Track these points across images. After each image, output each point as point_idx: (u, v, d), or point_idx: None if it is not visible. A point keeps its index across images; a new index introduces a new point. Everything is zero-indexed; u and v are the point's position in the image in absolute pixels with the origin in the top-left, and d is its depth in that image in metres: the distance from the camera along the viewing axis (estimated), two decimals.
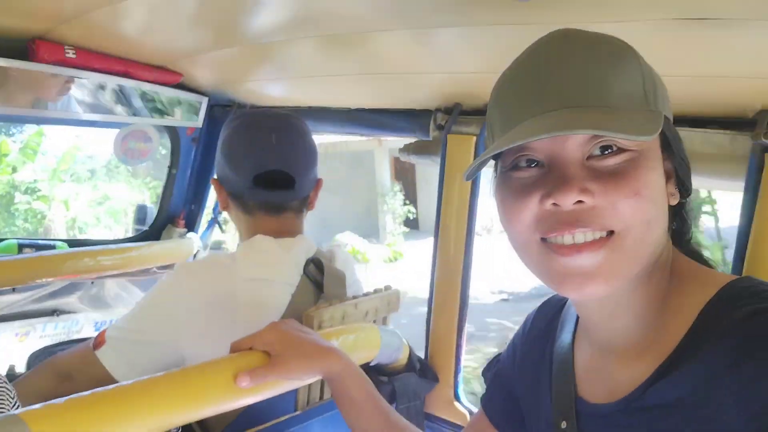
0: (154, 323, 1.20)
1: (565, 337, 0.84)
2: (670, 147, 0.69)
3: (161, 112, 1.90)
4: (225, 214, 1.54)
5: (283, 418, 1.21)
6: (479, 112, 1.44)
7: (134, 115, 1.83)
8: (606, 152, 0.63)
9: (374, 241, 11.78)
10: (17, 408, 0.82)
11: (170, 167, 2.16)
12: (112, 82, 1.70)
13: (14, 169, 9.40)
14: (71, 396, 0.77)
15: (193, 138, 2.13)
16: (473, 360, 5.84)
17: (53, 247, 1.97)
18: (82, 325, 2.19)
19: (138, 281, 2.24)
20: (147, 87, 1.78)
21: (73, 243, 2.05)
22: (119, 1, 1.21)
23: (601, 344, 0.76)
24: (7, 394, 0.82)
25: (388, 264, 10.90)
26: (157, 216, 2.21)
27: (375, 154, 13.66)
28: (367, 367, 1.24)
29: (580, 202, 0.62)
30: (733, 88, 1.01)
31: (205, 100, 2.00)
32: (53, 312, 2.10)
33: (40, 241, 2.01)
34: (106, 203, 10.95)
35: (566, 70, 0.63)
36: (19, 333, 2.02)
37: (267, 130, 1.31)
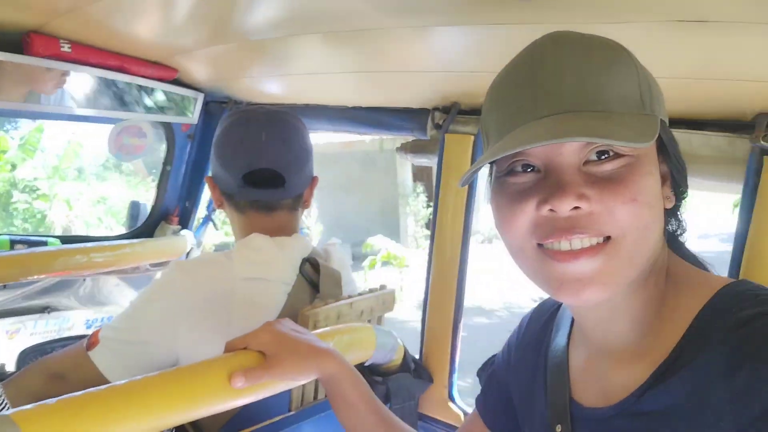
0: (149, 323, 1.19)
1: (560, 340, 0.83)
2: (665, 150, 0.69)
3: (156, 108, 1.88)
4: (220, 212, 1.53)
5: (277, 419, 1.20)
6: (477, 111, 1.43)
7: (129, 110, 1.82)
8: (602, 157, 0.63)
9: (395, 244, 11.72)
10: (6, 408, 0.81)
11: (165, 163, 2.14)
12: (108, 76, 1.69)
13: (13, 167, 9.22)
14: (63, 396, 0.76)
15: (188, 134, 2.11)
16: None
17: (45, 244, 1.95)
18: (74, 322, 2.17)
19: (131, 279, 2.22)
20: (142, 82, 1.77)
21: (65, 239, 2.04)
22: None
23: (597, 348, 0.76)
24: None
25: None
26: (150, 213, 2.20)
27: (396, 154, 13.44)
28: (361, 367, 1.23)
29: (576, 208, 0.61)
30: (732, 90, 1.01)
31: (200, 97, 1.99)
32: (44, 309, 2.08)
33: (32, 238, 1.99)
34: (110, 202, 10.80)
35: (561, 74, 0.62)
36: (9, 330, 2.00)
37: (258, 127, 1.29)
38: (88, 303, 2.24)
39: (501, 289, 8.94)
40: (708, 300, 0.65)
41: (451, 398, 1.47)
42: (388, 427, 0.99)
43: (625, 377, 0.69)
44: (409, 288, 8.64)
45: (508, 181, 0.67)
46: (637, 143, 0.57)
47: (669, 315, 0.68)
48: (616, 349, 0.72)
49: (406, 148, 1.55)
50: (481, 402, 0.99)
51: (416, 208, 12.23)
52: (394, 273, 9.04)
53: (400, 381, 1.35)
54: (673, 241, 0.76)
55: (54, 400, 0.75)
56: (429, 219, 12.32)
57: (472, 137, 1.40)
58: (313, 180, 1.41)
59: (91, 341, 1.18)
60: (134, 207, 2.23)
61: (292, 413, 1.23)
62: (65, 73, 1.63)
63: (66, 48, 1.53)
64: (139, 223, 2.20)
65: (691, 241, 0.78)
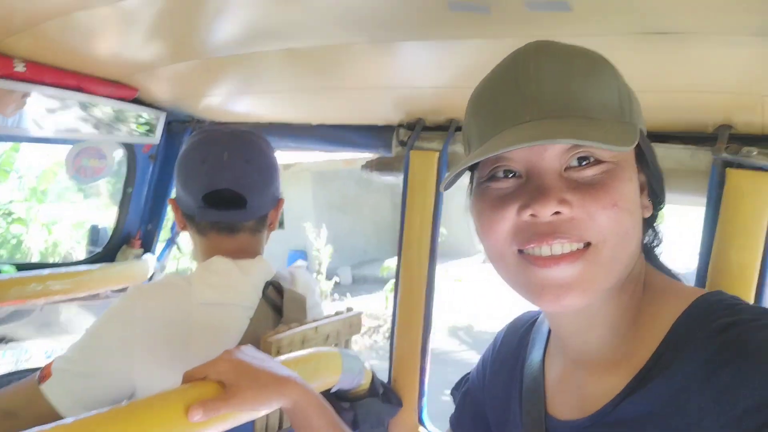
0: (104, 352, 1.13)
1: (536, 354, 0.83)
2: (644, 159, 0.69)
3: (116, 128, 1.83)
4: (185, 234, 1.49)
5: None
6: (442, 127, 1.42)
7: (87, 131, 1.77)
8: (583, 163, 0.63)
9: None
10: None
11: (125, 185, 2.09)
12: (65, 96, 1.64)
13: None
14: None
15: (150, 155, 2.06)
16: None
17: None
18: (32, 353, 2.09)
19: (92, 305, 2.15)
20: (101, 102, 1.72)
21: (22, 266, 1.96)
22: (71, 13, 1.16)
23: (574, 358, 0.75)
24: None
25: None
26: (111, 237, 2.13)
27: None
28: (328, 393, 1.19)
29: (558, 213, 0.61)
30: (693, 102, 1.01)
31: (162, 116, 1.94)
32: (0, 340, 2.00)
33: None
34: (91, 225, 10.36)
35: (544, 80, 0.63)
36: None
37: (220, 147, 1.26)
38: (47, 332, 2.16)
39: (510, 313, 8.92)
40: (684, 309, 0.65)
41: (421, 422, 1.43)
42: None
43: (601, 387, 0.69)
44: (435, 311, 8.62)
45: (489, 187, 0.67)
46: (618, 147, 0.57)
47: (646, 324, 0.68)
48: (593, 359, 0.72)
49: (371, 166, 1.53)
50: (455, 420, 0.99)
51: None
52: None
53: (369, 406, 1.31)
54: (648, 253, 0.76)
55: None
56: None
57: (437, 153, 1.39)
58: (279, 201, 1.38)
59: (44, 374, 1.11)
60: (94, 231, 2.17)
61: None
62: (25, 94, 1.58)
63: (20, 68, 1.48)
64: (100, 247, 2.14)
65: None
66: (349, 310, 1.38)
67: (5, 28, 1.31)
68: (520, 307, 0.86)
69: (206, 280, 1.20)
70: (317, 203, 13.30)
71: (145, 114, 1.89)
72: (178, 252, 2.22)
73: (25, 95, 1.58)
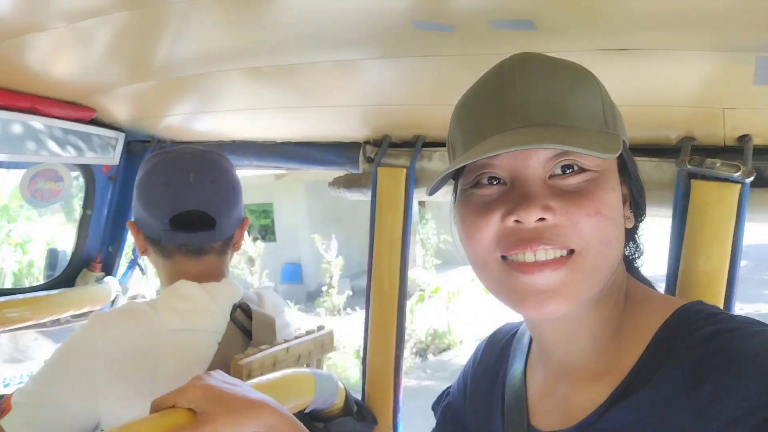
0: (65, 384, 1.09)
1: (517, 366, 0.83)
2: (626, 171, 0.71)
3: (74, 150, 1.78)
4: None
5: None
6: (409, 144, 1.42)
7: (42, 153, 1.71)
8: (567, 171, 0.64)
9: None
10: None
11: (84, 207, 2.02)
12: (18, 119, 1.58)
13: None
14: None
15: (109, 176, 2.01)
16: None
17: None
18: None
19: (50, 332, 2.07)
20: (57, 124, 1.67)
21: None
22: (23, 34, 1.13)
23: (556, 368, 0.76)
24: None
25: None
26: (70, 260, 2.06)
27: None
28: (301, 415, 1.17)
29: (542, 219, 0.62)
30: (656, 116, 1.03)
31: (121, 137, 1.90)
32: None
33: None
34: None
35: (529, 89, 0.64)
36: None
37: (184, 168, 1.23)
38: (4, 360, 2.07)
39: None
40: (666, 319, 0.66)
41: None
42: None
43: (585, 397, 0.69)
44: (457, 320, 8.49)
45: (473, 193, 0.68)
46: (603, 154, 0.58)
47: (628, 334, 0.69)
48: (575, 369, 0.72)
49: (339, 183, 1.52)
50: None
51: (425, 236, 11.61)
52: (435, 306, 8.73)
53: (343, 425, 1.29)
54: (628, 264, 0.77)
55: None
56: (438, 247, 11.77)
57: (405, 170, 1.39)
58: (244, 221, 1.36)
59: (3, 408, 1.07)
60: (52, 255, 2.09)
61: None
62: None
63: None
64: (58, 271, 2.06)
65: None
66: (320, 328, 1.37)
67: None
68: None
69: (173, 305, 1.17)
70: (312, 214, 13.10)
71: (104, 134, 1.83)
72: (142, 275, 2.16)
73: None
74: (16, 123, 1.59)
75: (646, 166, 1.08)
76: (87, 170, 1.96)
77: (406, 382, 1.38)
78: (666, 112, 0.99)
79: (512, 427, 0.78)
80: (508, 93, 0.65)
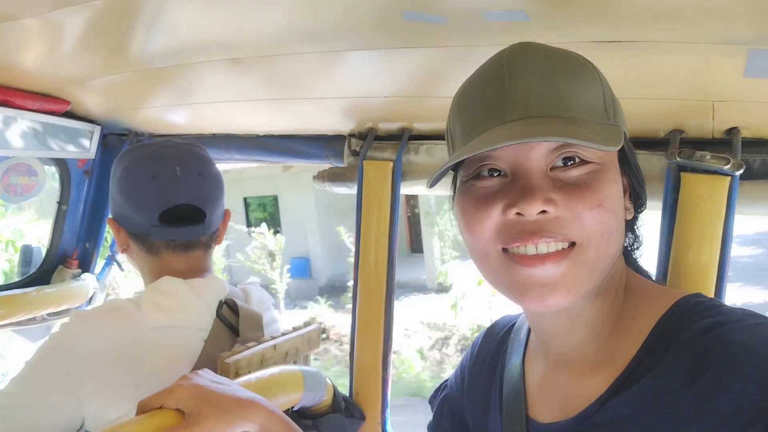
0: (46, 385, 1.06)
1: (516, 359, 0.83)
2: (627, 162, 0.71)
3: (48, 143, 1.73)
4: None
5: None
6: (395, 137, 1.40)
7: (16, 147, 1.66)
8: (569, 163, 0.64)
9: None
10: None
11: (59, 203, 1.97)
12: None
13: None
14: None
15: (85, 170, 1.96)
16: None
17: None
18: None
19: (26, 330, 2.02)
20: (30, 116, 1.62)
21: None
22: None
23: (555, 360, 0.76)
24: None
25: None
26: (45, 257, 2.01)
27: None
28: (289, 412, 1.16)
29: (544, 212, 0.61)
30: (645, 109, 1.03)
31: (97, 129, 1.85)
32: None
33: None
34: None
35: (529, 80, 0.63)
36: None
37: (170, 161, 1.20)
38: None
39: None
40: (665, 311, 0.66)
41: None
42: None
43: (584, 388, 0.69)
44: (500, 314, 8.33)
45: (474, 186, 0.67)
46: (605, 147, 0.58)
47: (628, 326, 0.69)
48: (575, 361, 0.72)
49: (323, 177, 1.50)
50: (434, 427, 0.99)
51: (444, 227, 11.20)
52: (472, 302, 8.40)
53: (331, 422, 1.28)
54: (627, 256, 0.77)
55: None
56: (456, 239, 11.77)
57: (391, 163, 1.37)
58: (226, 213, 1.33)
59: None
60: (26, 251, 2.03)
61: None
62: None
63: None
64: (33, 268, 2.01)
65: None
66: (307, 324, 1.35)
67: None
68: None
69: (157, 302, 1.14)
70: (320, 206, 12.89)
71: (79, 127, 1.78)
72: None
73: None
74: None
75: None
76: (62, 164, 1.91)
77: None
78: (656, 105, 0.99)
79: (510, 420, 0.78)
80: (508, 83, 0.64)
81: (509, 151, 0.64)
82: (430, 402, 1.03)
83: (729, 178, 0.96)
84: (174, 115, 1.71)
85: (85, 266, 2.03)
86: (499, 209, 0.64)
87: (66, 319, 1.15)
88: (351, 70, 1.20)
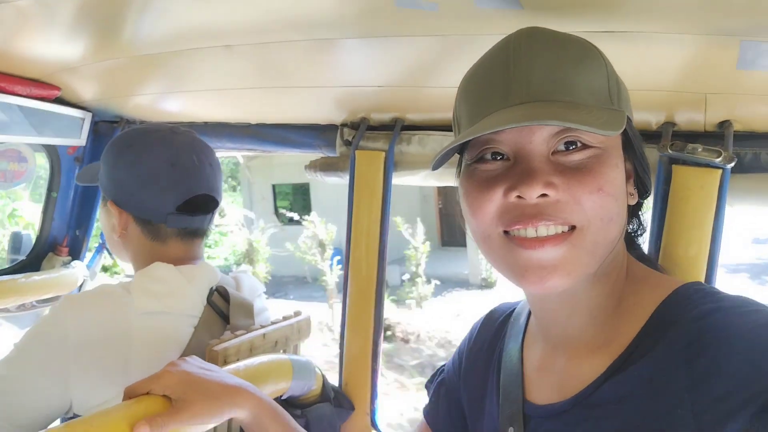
0: (35, 369, 1.05)
1: (514, 344, 0.84)
2: (630, 147, 0.71)
3: (38, 130, 1.71)
4: None
5: None
6: (388, 127, 1.40)
7: (5, 133, 1.64)
8: (571, 148, 0.64)
9: None
10: None
11: (49, 190, 1.96)
12: None
13: None
14: None
15: (75, 157, 1.94)
16: None
17: None
18: None
19: (15, 317, 2.01)
20: (19, 102, 1.60)
21: None
22: None
23: (555, 342, 0.76)
24: None
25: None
26: (35, 244, 1.99)
27: None
28: (278, 401, 1.15)
29: (544, 195, 0.62)
30: (638, 101, 1.02)
31: (88, 116, 1.83)
32: None
33: None
34: None
35: (534, 65, 0.64)
36: None
37: (187, 149, 1.22)
38: None
39: None
40: (666, 297, 0.67)
41: (374, 425, 1.41)
42: None
43: (582, 370, 0.70)
44: None
45: (477, 169, 0.68)
46: (605, 132, 0.58)
47: (628, 310, 0.70)
48: (574, 343, 0.73)
49: (315, 166, 1.49)
50: (430, 411, 0.99)
51: None
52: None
53: (320, 412, 1.28)
54: (630, 242, 0.78)
55: None
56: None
57: (383, 153, 1.37)
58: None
59: None
60: (16, 238, 2.02)
61: None
62: None
63: None
64: (23, 255, 2.00)
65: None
66: (296, 314, 1.35)
67: None
68: None
69: (148, 288, 1.14)
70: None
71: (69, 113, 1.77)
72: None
73: None
74: None
75: None
76: (52, 151, 1.90)
77: None
78: (648, 97, 0.99)
79: (507, 402, 0.79)
80: (513, 68, 0.64)
81: (512, 135, 0.65)
82: (427, 387, 1.04)
83: (720, 171, 0.96)
84: (166, 102, 1.70)
85: (75, 254, 2.02)
86: (501, 192, 0.65)
87: (55, 305, 1.15)
88: (344, 58, 1.19)
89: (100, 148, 1.89)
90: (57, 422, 1.09)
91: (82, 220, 2.02)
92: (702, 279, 0.97)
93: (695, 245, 0.97)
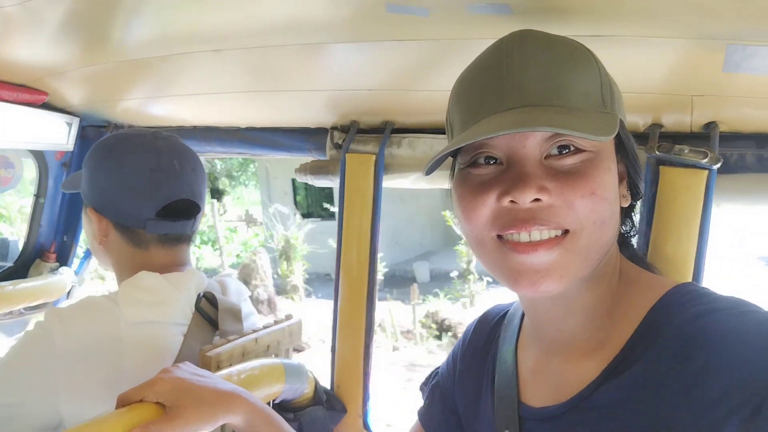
0: (22, 384, 1.04)
1: (508, 346, 0.84)
2: (623, 149, 0.71)
3: (25, 135, 1.69)
4: None
5: None
6: (378, 130, 1.40)
7: None
8: (563, 152, 0.64)
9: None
10: None
11: (37, 195, 1.94)
12: None
13: None
14: None
15: (63, 162, 1.93)
16: None
17: None
18: None
19: (3, 325, 1.99)
20: (6, 108, 1.59)
21: None
22: None
23: (549, 345, 0.77)
24: None
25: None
26: (22, 250, 1.97)
27: None
28: (270, 405, 1.16)
29: (537, 200, 0.62)
30: (626, 103, 1.03)
31: (76, 121, 1.82)
32: None
33: None
34: None
35: (527, 69, 0.64)
36: None
37: (168, 154, 1.20)
38: None
39: None
40: (659, 299, 0.67)
41: (366, 427, 1.41)
42: None
43: (577, 373, 0.70)
44: None
45: (470, 173, 0.68)
46: (597, 137, 0.58)
47: (621, 312, 0.70)
48: (568, 346, 0.73)
49: (305, 169, 1.49)
50: (425, 414, 0.99)
51: None
52: None
53: (313, 414, 1.28)
54: (623, 243, 0.78)
55: None
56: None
57: (374, 157, 1.37)
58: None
59: None
60: (2, 244, 2.00)
61: None
62: None
63: None
64: (9, 262, 1.98)
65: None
66: (288, 317, 1.35)
67: None
68: None
69: (135, 298, 1.13)
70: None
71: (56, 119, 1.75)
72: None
73: None
74: None
75: None
76: (39, 156, 1.88)
77: None
78: (636, 99, 1.00)
79: (502, 404, 0.79)
80: (505, 72, 0.65)
81: (505, 140, 0.65)
82: (421, 389, 1.04)
83: (707, 171, 0.97)
84: (154, 106, 1.69)
85: (63, 260, 2.00)
86: (494, 197, 0.65)
87: (41, 317, 1.13)
88: (334, 62, 1.20)
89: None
90: None
91: (69, 225, 2.01)
92: (690, 278, 0.98)
93: (683, 245, 0.98)
